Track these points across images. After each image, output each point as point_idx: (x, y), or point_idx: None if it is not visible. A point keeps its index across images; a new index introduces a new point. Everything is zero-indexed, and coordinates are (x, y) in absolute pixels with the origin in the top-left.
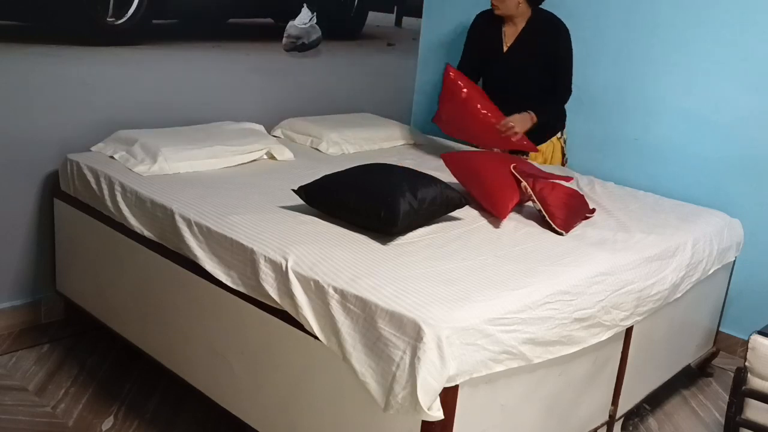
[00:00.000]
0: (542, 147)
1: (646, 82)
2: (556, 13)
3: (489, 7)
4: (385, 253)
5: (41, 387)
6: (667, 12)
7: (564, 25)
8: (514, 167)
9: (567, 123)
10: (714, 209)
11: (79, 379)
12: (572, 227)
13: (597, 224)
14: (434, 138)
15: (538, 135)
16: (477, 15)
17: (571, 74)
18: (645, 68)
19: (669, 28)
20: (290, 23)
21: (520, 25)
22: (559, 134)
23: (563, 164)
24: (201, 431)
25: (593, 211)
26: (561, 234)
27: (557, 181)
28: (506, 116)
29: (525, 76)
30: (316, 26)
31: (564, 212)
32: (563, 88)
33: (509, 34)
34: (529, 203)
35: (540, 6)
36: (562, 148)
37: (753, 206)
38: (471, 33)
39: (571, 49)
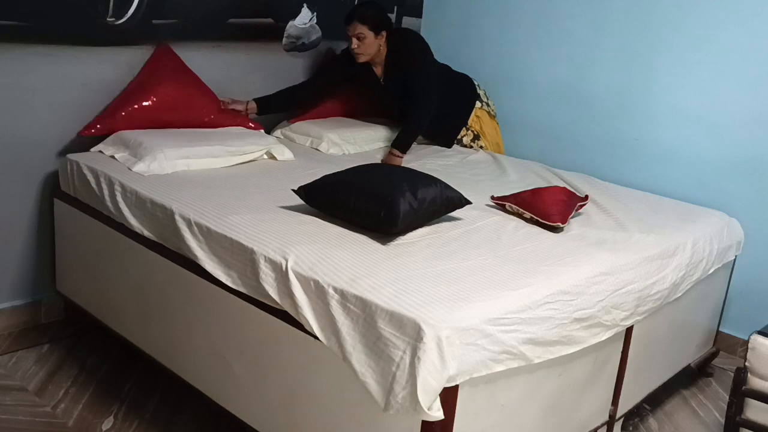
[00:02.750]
0: (471, 125)
1: (647, 82)
2: (558, 13)
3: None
4: (385, 253)
5: (41, 387)
6: (668, 12)
7: (410, 34)
8: (492, 198)
9: (567, 122)
10: (714, 209)
11: (79, 379)
12: (568, 216)
13: (597, 224)
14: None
15: (444, 133)
16: (343, 51)
17: (430, 86)
18: (645, 69)
19: (669, 29)
20: (290, 23)
21: (383, 59)
22: (478, 104)
23: (497, 130)
24: (201, 431)
25: (586, 198)
26: (560, 227)
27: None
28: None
29: (406, 96)
30: (316, 26)
31: (555, 207)
32: (426, 106)
33: (378, 70)
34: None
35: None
36: (489, 113)
37: (753, 206)
38: (338, 62)
39: (424, 62)
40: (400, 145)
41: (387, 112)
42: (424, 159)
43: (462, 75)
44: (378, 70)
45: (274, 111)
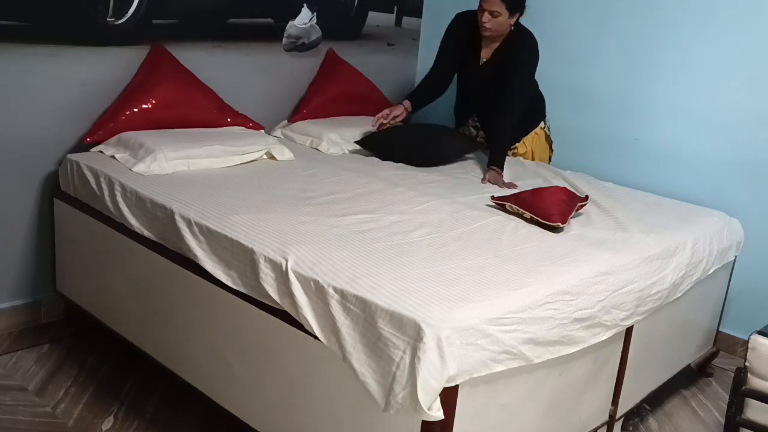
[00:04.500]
0: (525, 140)
1: (647, 82)
2: (558, 13)
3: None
4: (385, 253)
5: (41, 387)
6: (669, 12)
7: (532, 40)
8: (493, 197)
9: (567, 122)
10: (714, 209)
11: (79, 379)
12: (569, 216)
13: (597, 224)
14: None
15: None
16: (457, 15)
17: (525, 88)
18: (646, 69)
19: (670, 29)
20: (290, 23)
21: (500, 40)
22: (541, 124)
23: (550, 155)
24: (201, 431)
25: (586, 198)
26: (560, 227)
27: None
28: (482, 124)
29: (501, 89)
30: (316, 26)
31: (555, 207)
32: (515, 106)
33: (487, 48)
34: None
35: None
36: (547, 136)
37: (753, 206)
38: (449, 35)
39: (532, 65)
40: (496, 162)
41: (471, 96)
42: None
43: (540, 93)
44: (486, 52)
45: (423, 105)
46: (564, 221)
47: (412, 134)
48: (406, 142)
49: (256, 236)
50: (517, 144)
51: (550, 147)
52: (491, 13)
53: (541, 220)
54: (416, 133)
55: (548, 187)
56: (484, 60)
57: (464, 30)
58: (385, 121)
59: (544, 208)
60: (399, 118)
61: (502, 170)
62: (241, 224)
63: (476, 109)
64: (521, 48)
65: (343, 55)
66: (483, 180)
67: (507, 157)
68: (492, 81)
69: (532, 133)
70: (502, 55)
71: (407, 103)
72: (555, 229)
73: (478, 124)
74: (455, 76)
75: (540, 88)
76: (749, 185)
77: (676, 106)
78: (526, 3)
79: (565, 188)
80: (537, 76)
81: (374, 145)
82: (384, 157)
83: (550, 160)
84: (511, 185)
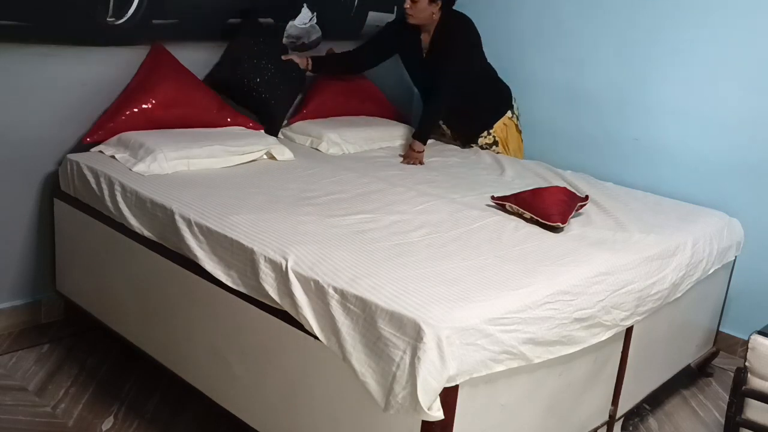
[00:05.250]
0: (496, 130)
1: (647, 82)
2: (558, 13)
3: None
4: (385, 253)
5: (41, 387)
6: (668, 12)
7: (462, 25)
8: (493, 198)
9: (567, 122)
10: (714, 209)
11: (79, 379)
12: (569, 216)
13: (597, 224)
14: (434, 137)
15: (465, 132)
16: (395, 18)
17: (453, 73)
18: (645, 68)
19: (669, 29)
20: (290, 23)
21: (432, 29)
22: (509, 113)
23: (521, 141)
24: (201, 431)
25: (586, 198)
26: (560, 227)
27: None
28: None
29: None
30: (316, 26)
31: (556, 207)
32: (444, 89)
33: (425, 39)
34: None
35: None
36: (516, 126)
37: (753, 206)
38: (388, 29)
39: (462, 50)
40: (418, 135)
41: (422, 88)
42: (424, 159)
43: (502, 82)
44: (425, 45)
45: (326, 72)
46: (564, 221)
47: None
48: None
49: (256, 236)
50: (487, 134)
51: (519, 131)
52: (413, 0)
53: (541, 220)
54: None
55: (548, 187)
56: (426, 52)
57: (402, 29)
58: (284, 59)
59: (544, 208)
60: (296, 62)
61: (424, 144)
62: (241, 224)
63: (428, 101)
64: (452, 32)
65: None
66: (403, 161)
67: (506, 158)
68: (430, 74)
69: (501, 123)
70: (436, 45)
71: (309, 62)
72: (555, 229)
73: (440, 122)
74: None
75: (505, 79)
76: (749, 185)
77: (675, 106)
78: None
79: (565, 188)
80: (535, 76)
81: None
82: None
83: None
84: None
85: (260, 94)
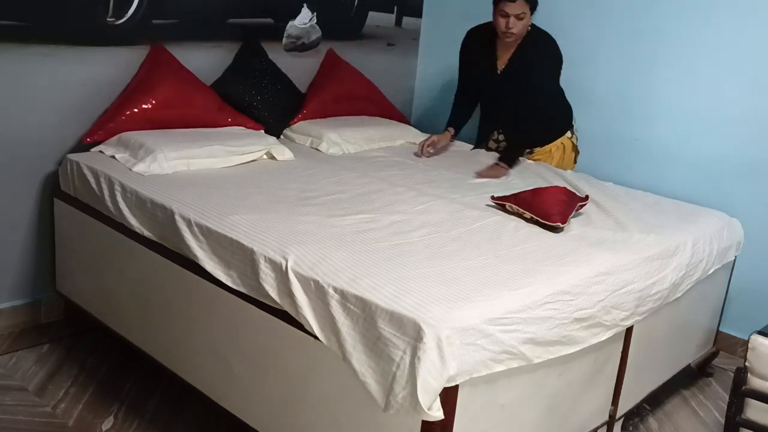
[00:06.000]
0: (551, 147)
1: (647, 82)
2: (558, 13)
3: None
4: (385, 253)
5: (41, 387)
6: (668, 12)
7: (551, 42)
8: (493, 197)
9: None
10: (714, 209)
11: (79, 379)
12: (569, 216)
13: (597, 224)
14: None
15: (526, 141)
16: (468, 32)
17: (547, 84)
18: (646, 68)
19: (670, 29)
20: (290, 23)
21: (514, 44)
22: (569, 133)
23: (576, 159)
24: (201, 431)
25: (587, 198)
26: (560, 227)
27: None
28: (506, 135)
29: (521, 93)
30: (316, 26)
31: (556, 207)
32: (536, 107)
33: (503, 54)
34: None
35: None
36: (574, 146)
37: (753, 206)
38: (463, 52)
39: (552, 62)
40: (509, 160)
41: (491, 105)
42: (424, 158)
43: (568, 104)
44: (502, 61)
45: (463, 124)
46: (564, 221)
47: None
48: None
49: (256, 236)
50: (540, 148)
51: (576, 152)
52: (517, 17)
53: (541, 220)
54: None
55: (548, 187)
56: (501, 68)
57: (478, 43)
58: (432, 150)
59: (545, 208)
60: (445, 146)
61: (510, 168)
62: (241, 224)
63: (498, 120)
64: (540, 47)
65: (343, 55)
66: (480, 174)
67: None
68: (510, 88)
69: (558, 142)
70: (520, 60)
71: (450, 130)
72: (555, 229)
73: (500, 136)
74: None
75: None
76: (749, 185)
77: (676, 106)
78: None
79: (565, 188)
80: None
81: None
82: None
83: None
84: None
85: (261, 112)
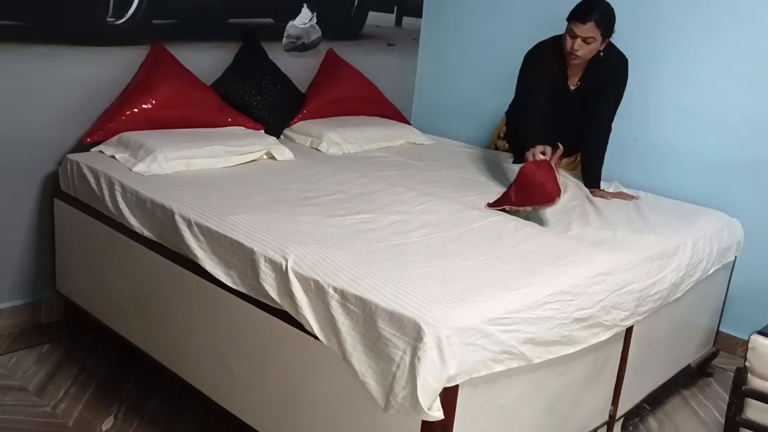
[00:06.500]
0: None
1: (647, 82)
2: (556, 13)
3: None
4: (385, 253)
5: (41, 387)
6: (668, 12)
7: (625, 60)
8: (489, 205)
9: None
10: (714, 209)
11: (79, 379)
12: (558, 188)
13: (597, 224)
14: (434, 137)
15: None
16: (537, 46)
17: (617, 106)
18: (646, 69)
19: (670, 29)
20: (290, 23)
21: (586, 63)
22: None
23: None
24: (201, 431)
25: (561, 150)
26: (555, 200)
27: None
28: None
29: (592, 112)
30: (316, 26)
31: (548, 186)
32: (607, 129)
33: (574, 71)
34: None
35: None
36: None
37: (753, 206)
38: (535, 65)
39: (625, 84)
40: (596, 180)
41: (557, 124)
42: (424, 158)
43: None
44: (574, 79)
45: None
46: (559, 192)
47: None
48: None
49: (256, 236)
50: (567, 158)
51: None
52: (584, 40)
53: (547, 206)
54: None
55: (519, 173)
56: (573, 88)
57: (547, 59)
58: (546, 157)
59: (542, 195)
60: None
61: (600, 188)
62: (241, 224)
63: (558, 136)
64: (617, 69)
65: (343, 55)
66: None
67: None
68: (580, 107)
69: (576, 156)
70: (593, 80)
71: (548, 146)
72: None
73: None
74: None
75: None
76: (749, 185)
77: (675, 106)
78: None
79: (533, 163)
80: None
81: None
82: None
83: None
84: (622, 195)
85: (261, 112)
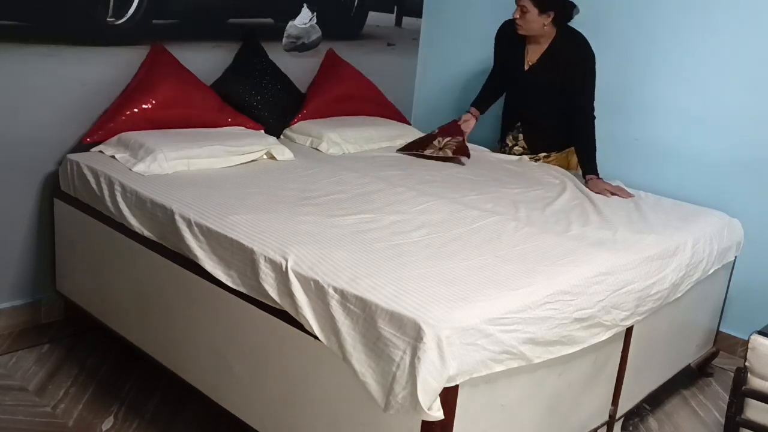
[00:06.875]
0: (568, 152)
1: (647, 82)
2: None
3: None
4: (385, 253)
5: (41, 387)
6: (669, 12)
7: (589, 45)
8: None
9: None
10: (714, 209)
11: (79, 379)
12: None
13: (597, 224)
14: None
15: (540, 143)
16: (502, 24)
17: (593, 98)
18: (646, 68)
19: (670, 29)
20: (290, 23)
21: (545, 44)
22: None
23: None
24: (201, 431)
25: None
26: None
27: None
28: (525, 132)
29: (546, 97)
30: (316, 26)
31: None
32: (589, 116)
33: (532, 52)
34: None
35: (568, 24)
36: None
37: (753, 206)
38: (495, 43)
39: (591, 67)
40: (591, 171)
41: (516, 103)
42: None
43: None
44: (532, 57)
45: (487, 108)
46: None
47: None
48: None
49: (256, 236)
50: (557, 154)
51: None
52: (521, 9)
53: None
54: None
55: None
56: (529, 65)
57: (507, 38)
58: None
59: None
60: (470, 125)
61: (599, 176)
62: (241, 224)
63: (520, 115)
64: (574, 51)
65: (343, 55)
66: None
67: (514, 157)
68: (536, 87)
69: (569, 151)
70: (549, 60)
71: (474, 111)
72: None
73: (519, 134)
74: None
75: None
76: (749, 185)
77: (676, 106)
78: (575, 10)
79: (442, 129)
80: None
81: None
82: None
83: None
84: (618, 189)
85: (261, 112)
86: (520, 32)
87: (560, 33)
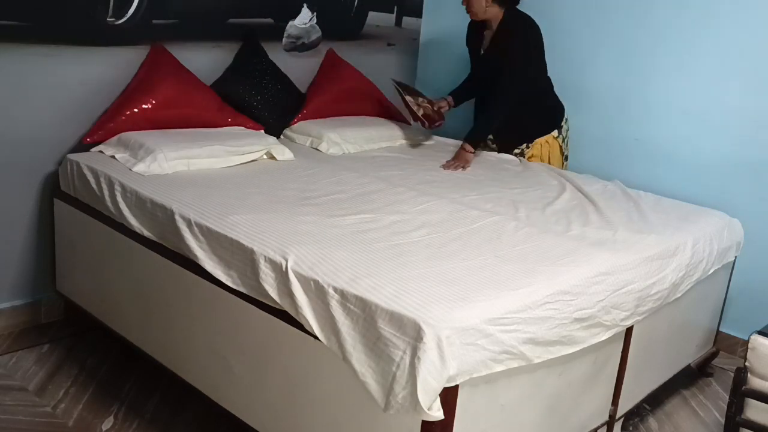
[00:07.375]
0: (540, 146)
1: (647, 82)
2: (557, 12)
3: None
4: (385, 253)
5: (41, 387)
6: (669, 12)
7: (521, 22)
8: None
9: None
10: (714, 209)
11: (79, 379)
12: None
13: (597, 224)
14: (435, 137)
15: (506, 140)
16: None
17: (518, 73)
18: (646, 68)
19: (670, 29)
20: (290, 23)
21: (495, 26)
22: (555, 133)
23: (564, 164)
24: (201, 431)
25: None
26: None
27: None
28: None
29: (499, 76)
30: (316, 26)
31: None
32: (507, 90)
33: (486, 38)
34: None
35: (516, 6)
36: (561, 147)
37: (753, 206)
38: (467, 32)
39: (522, 48)
40: (470, 139)
41: (477, 87)
42: (424, 158)
43: (557, 99)
44: (486, 42)
45: (463, 100)
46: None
47: None
48: None
49: (256, 236)
50: (528, 146)
51: (562, 153)
52: None
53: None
54: None
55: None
56: (484, 48)
57: (473, 30)
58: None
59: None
60: (444, 109)
61: (474, 150)
62: (241, 224)
63: (485, 101)
64: (508, 32)
65: (343, 55)
66: (446, 165)
67: (506, 157)
68: (489, 71)
69: (543, 140)
70: (495, 44)
71: (449, 99)
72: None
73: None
74: None
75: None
76: (749, 185)
77: (675, 106)
78: None
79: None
80: None
81: None
82: None
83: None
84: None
85: (261, 112)
86: (471, 18)
87: (506, 15)
